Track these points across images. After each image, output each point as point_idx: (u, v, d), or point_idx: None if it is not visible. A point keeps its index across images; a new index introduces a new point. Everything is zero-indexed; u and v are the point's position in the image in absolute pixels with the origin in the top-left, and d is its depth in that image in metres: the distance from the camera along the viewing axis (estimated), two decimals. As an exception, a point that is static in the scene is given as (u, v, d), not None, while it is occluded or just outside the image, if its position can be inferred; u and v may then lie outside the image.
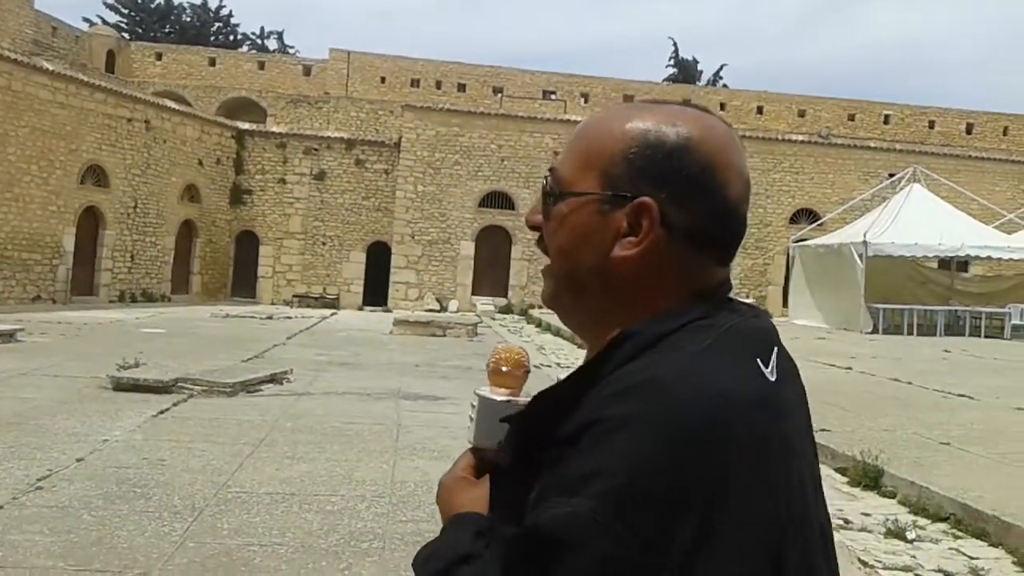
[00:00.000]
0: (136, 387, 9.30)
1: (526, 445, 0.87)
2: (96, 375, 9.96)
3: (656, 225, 0.88)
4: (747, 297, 32.40)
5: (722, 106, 41.69)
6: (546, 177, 0.96)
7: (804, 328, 23.09)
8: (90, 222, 23.72)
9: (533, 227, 0.98)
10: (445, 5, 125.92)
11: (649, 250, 0.88)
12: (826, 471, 6.96)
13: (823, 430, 7.93)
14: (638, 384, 0.80)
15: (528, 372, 1.05)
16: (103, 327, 17.03)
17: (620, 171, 0.89)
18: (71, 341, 14.23)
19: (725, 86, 50.68)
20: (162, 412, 8.29)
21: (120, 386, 9.34)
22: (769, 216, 30.70)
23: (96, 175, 23.84)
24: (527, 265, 28.50)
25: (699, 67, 55.05)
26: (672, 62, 55.00)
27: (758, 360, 0.86)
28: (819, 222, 29.62)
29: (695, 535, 0.76)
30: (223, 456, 6.63)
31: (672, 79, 51.97)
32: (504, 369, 1.03)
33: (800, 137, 33.13)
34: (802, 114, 41.74)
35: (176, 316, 20.97)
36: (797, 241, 28.52)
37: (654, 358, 0.83)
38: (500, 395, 1.02)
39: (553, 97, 40.67)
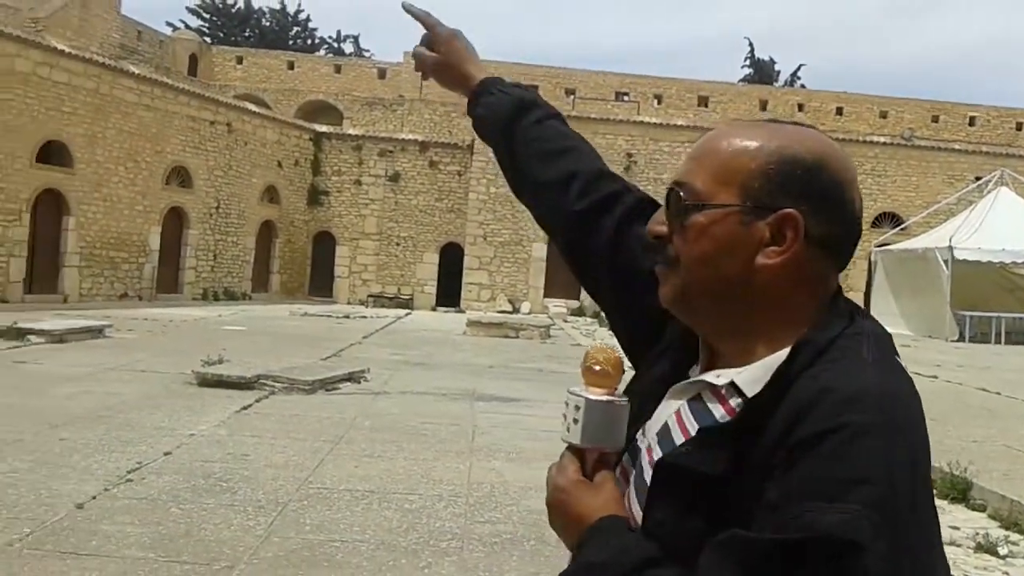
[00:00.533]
0: (220, 383, 9.54)
1: (732, 450, 0.90)
2: (181, 371, 10.26)
3: (800, 235, 0.95)
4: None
5: (800, 107, 40.92)
6: (673, 189, 1.01)
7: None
8: (174, 222, 24.45)
9: (656, 236, 1.03)
10: (520, 9, 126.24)
11: (791, 259, 0.95)
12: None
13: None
14: (859, 393, 0.86)
15: (624, 372, 1.05)
16: (187, 324, 17.52)
17: (759, 185, 0.96)
18: (157, 338, 14.68)
19: (803, 86, 49.73)
20: (245, 408, 8.49)
21: (205, 382, 9.60)
22: (849, 219, 30.00)
23: (180, 176, 24.56)
24: (599, 267, 28.39)
25: (776, 67, 54.14)
26: (748, 62, 54.19)
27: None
28: (902, 226, 28.84)
29: (930, 538, 0.86)
30: (304, 452, 6.76)
31: (748, 79, 51.20)
32: (599, 368, 1.03)
33: (882, 139, 32.28)
34: (884, 115, 40.69)
35: (256, 314, 21.46)
36: (879, 246, 27.82)
37: (835, 367, 0.89)
38: (598, 394, 1.02)
39: (626, 98, 40.43)
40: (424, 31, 1.49)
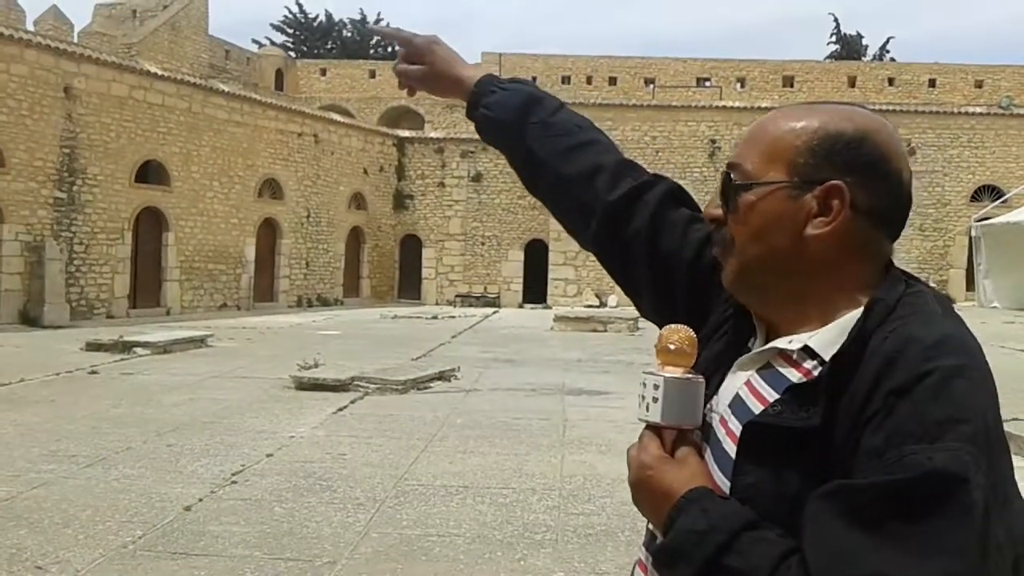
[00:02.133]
0: (316, 386, 9.81)
1: (823, 404, 0.93)
2: (280, 376, 10.57)
3: (846, 205, 0.99)
4: (928, 281, 30.82)
5: (891, 81, 39.60)
6: (726, 173, 1.06)
7: (991, 311, 21.60)
8: (268, 232, 25.17)
9: (713, 219, 1.08)
10: (597, 2, 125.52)
11: (839, 228, 0.99)
12: (1020, 463, 6.51)
13: (1015, 419, 7.41)
14: (942, 340, 0.91)
15: (698, 350, 1.06)
16: (284, 331, 18.03)
17: (805, 160, 1.00)
18: (256, 345, 15.15)
19: (893, 60, 48.08)
20: (341, 409, 8.70)
21: (302, 385, 9.88)
22: (948, 195, 28.92)
23: (272, 188, 25.27)
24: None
25: (863, 42, 52.46)
26: (834, 38, 52.66)
27: None
28: (1003, 199, 27.65)
29: (1009, 468, 0.91)
30: (399, 450, 6.90)
31: (835, 56, 49.77)
32: (674, 347, 1.04)
33: (978, 109, 30.95)
34: (979, 84, 39.02)
35: (349, 319, 21.93)
36: (980, 220, 26.73)
37: (912, 319, 0.94)
38: (675, 373, 1.04)
39: (708, 84, 39.80)
40: (400, 48, 1.46)
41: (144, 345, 13.27)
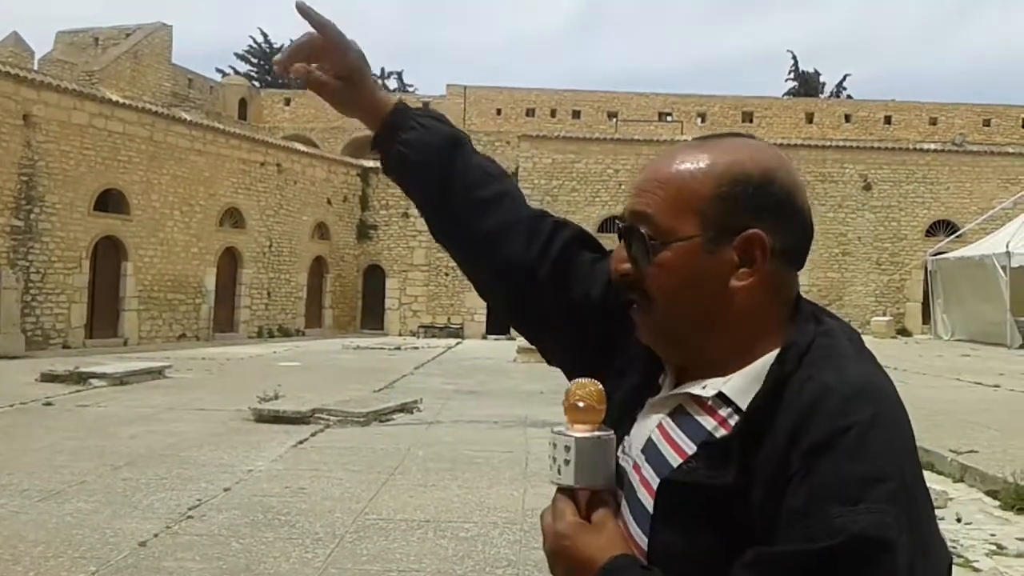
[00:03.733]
0: (276, 419, 9.69)
1: (740, 459, 0.91)
2: (239, 408, 10.43)
3: (768, 253, 0.97)
4: (884, 315, 30.97)
5: (847, 118, 40.47)
6: (632, 226, 1.01)
7: (947, 345, 22.00)
8: (229, 262, 24.95)
9: (622, 276, 1.03)
10: (559, 34, 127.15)
11: (764, 278, 0.98)
12: (976, 494, 6.60)
13: (971, 451, 7.53)
14: (858, 390, 0.89)
15: (606, 404, 1.01)
16: (244, 362, 17.83)
17: (717, 210, 0.97)
18: (215, 376, 14.95)
19: (849, 96, 49.19)
20: (301, 442, 8.60)
21: (261, 418, 9.76)
22: (904, 229, 29.50)
23: (233, 217, 25.09)
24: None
25: (821, 79, 53.63)
26: (792, 75, 53.78)
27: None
28: (958, 234, 28.28)
29: (932, 518, 0.89)
30: (360, 484, 6.83)
31: (793, 92, 50.80)
32: (583, 405, 1.00)
33: (933, 146, 31.73)
34: (933, 122, 40.04)
35: (310, 349, 21.74)
36: (935, 255, 27.29)
37: (825, 365, 0.92)
38: (584, 431, 0.99)
39: (669, 119, 40.39)
40: (312, 37, 1.23)
41: (100, 376, 13.04)
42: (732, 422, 0.95)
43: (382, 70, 58.47)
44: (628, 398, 1.07)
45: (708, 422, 0.97)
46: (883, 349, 21.28)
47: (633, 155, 29.68)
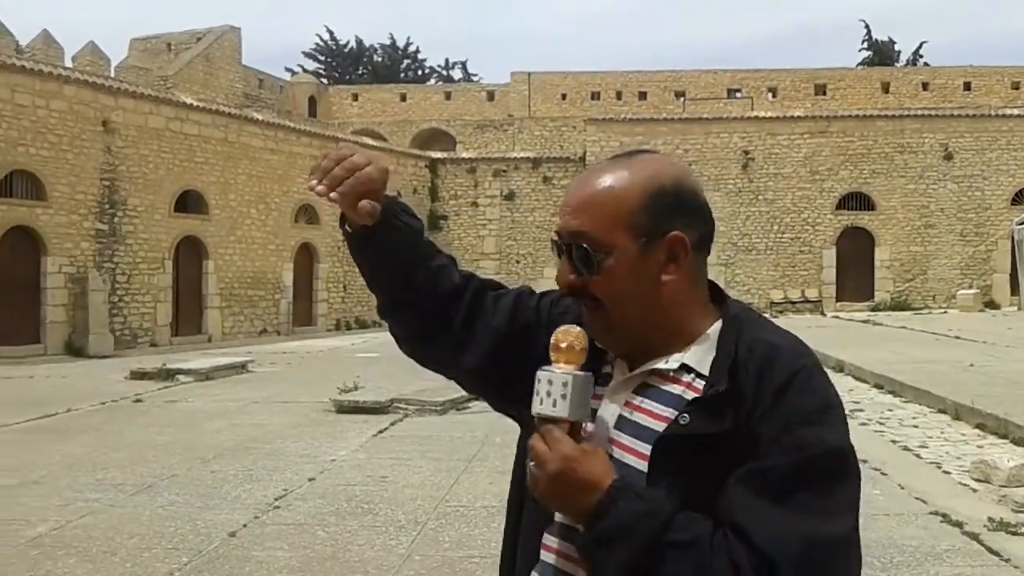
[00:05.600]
0: (356, 409, 9.86)
1: (729, 409, 1.11)
2: (320, 400, 10.64)
3: (689, 250, 1.17)
4: (970, 288, 29.93)
5: (925, 86, 39.15)
6: (574, 244, 1.18)
7: (1037, 316, 21.14)
8: (305, 257, 25.41)
9: (570, 287, 1.21)
10: (625, 16, 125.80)
11: (687, 269, 1.18)
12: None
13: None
14: (794, 344, 1.17)
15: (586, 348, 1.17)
16: (323, 355, 18.16)
17: (644, 220, 1.17)
18: (296, 369, 15.27)
19: (926, 64, 47.51)
20: (381, 432, 8.74)
21: (342, 409, 9.94)
22: (988, 199, 28.46)
23: (307, 213, 25.54)
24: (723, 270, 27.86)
25: (896, 47, 51.94)
26: (866, 45, 52.21)
27: None
28: (1046, 200, 27.12)
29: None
30: (439, 472, 6.90)
31: (867, 63, 49.32)
32: (577, 346, 1.15)
33: (1016, 111, 30.47)
34: (1016, 87, 38.43)
35: (387, 341, 21.68)
36: (1021, 224, 26.25)
37: (755, 329, 1.18)
38: (575, 370, 1.13)
39: (739, 95, 39.64)
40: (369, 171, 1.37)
41: (187, 372, 13.44)
42: (697, 384, 1.15)
43: (446, 61, 58.83)
44: None
45: (675, 388, 1.16)
46: (969, 323, 20.57)
47: (702, 134, 29.25)
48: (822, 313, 27.80)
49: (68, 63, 20.87)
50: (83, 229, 18.74)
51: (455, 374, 1.43)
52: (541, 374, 1.14)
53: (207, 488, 6.48)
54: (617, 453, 1.15)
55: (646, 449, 1.13)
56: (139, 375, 13.47)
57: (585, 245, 1.17)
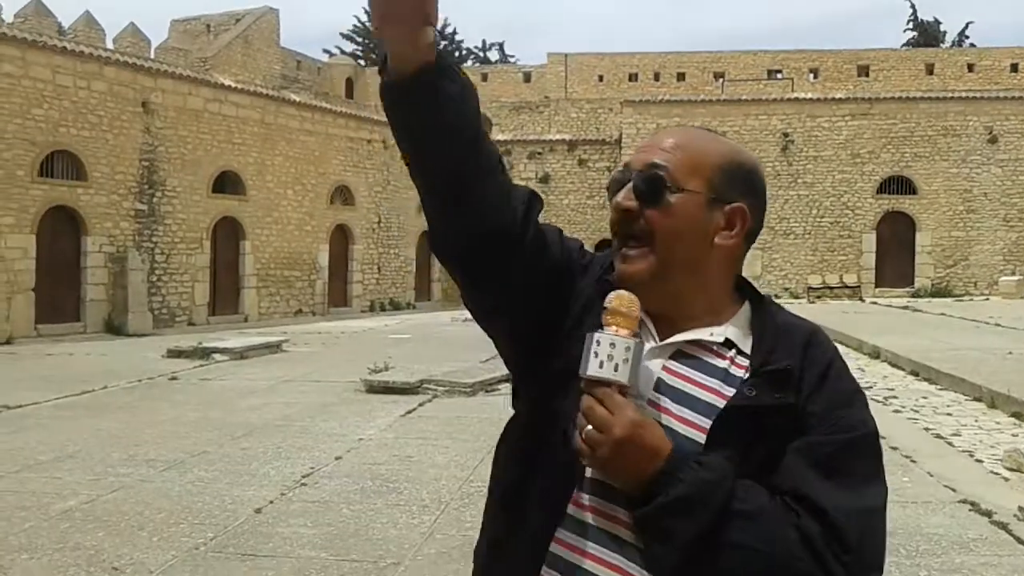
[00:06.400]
0: (386, 389, 9.93)
1: (792, 382, 1.17)
2: (351, 379, 10.73)
3: (747, 225, 1.22)
4: (1013, 275, 29.41)
5: (970, 67, 38.30)
6: (655, 172, 1.19)
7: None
8: (340, 239, 25.59)
9: (624, 211, 1.21)
10: (665, 2, 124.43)
11: (737, 242, 1.22)
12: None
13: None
14: (819, 329, 1.25)
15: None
16: (356, 335, 18.30)
17: (719, 180, 1.21)
18: (329, 349, 15.41)
19: (972, 45, 46.47)
20: (409, 412, 8.79)
21: (372, 388, 10.01)
22: (1035, 182, 27.83)
23: (343, 195, 25.69)
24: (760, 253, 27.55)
25: (941, 27, 50.86)
26: (911, 25, 51.19)
27: None
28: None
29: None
30: (465, 452, 6.93)
31: (912, 43, 48.36)
32: (636, 313, 1.14)
33: (1066, 92, 29.72)
34: (1067, 66, 37.45)
35: (420, 322, 22.13)
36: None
37: (785, 315, 1.26)
38: (626, 335, 1.12)
39: (779, 76, 39.05)
40: None
41: (222, 351, 13.61)
42: (741, 361, 1.19)
43: (483, 42, 58.65)
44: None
45: (720, 362, 1.19)
46: (1011, 311, 20.16)
47: (741, 116, 28.90)
48: (860, 299, 27.43)
49: (109, 45, 21.10)
50: (123, 209, 19.02)
51: (505, 293, 1.22)
52: (600, 336, 1.11)
53: (236, 465, 6.57)
54: (664, 419, 1.15)
55: (695, 417, 1.15)
56: (175, 354, 13.67)
57: (661, 173, 1.19)
